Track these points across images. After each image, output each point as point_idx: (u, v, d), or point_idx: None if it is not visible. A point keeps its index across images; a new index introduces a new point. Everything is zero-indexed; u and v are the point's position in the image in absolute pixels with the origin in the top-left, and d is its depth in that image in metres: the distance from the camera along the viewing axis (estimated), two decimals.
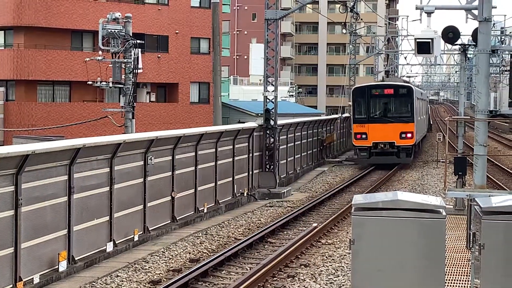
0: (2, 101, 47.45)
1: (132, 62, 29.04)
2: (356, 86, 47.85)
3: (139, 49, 29.60)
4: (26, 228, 15.39)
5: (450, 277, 15.06)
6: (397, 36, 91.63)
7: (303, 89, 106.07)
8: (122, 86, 29.27)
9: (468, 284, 14.49)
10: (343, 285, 15.66)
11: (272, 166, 31.98)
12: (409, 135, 42.30)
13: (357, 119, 42.76)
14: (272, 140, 31.96)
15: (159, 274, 17.06)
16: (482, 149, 19.36)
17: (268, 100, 32.27)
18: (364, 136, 42.18)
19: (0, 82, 48.12)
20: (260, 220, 25.17)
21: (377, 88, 43.68)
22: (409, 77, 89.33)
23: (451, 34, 22.06)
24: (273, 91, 32.30)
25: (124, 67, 29.21)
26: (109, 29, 29.08)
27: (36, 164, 15.68)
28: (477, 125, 19.38)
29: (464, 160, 24.52)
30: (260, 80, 73.78)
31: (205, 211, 25.08)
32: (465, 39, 40.77)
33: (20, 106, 47.30)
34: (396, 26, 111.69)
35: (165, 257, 18.83)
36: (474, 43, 26.42)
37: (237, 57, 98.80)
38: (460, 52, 33.80)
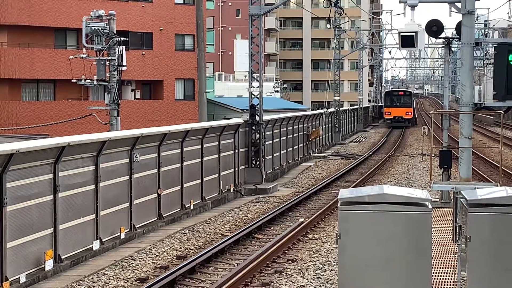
0: None
1: (117, 60, 28.93)
2: (386, 90, 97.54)
3: (123, 47, 29.48)
4: (12, 227, 15.30)
5: (436, 270, 15.11)
6: (381, 30, 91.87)
7: (288, 84, 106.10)
8: (106, 83, 29.16)
9: (454, 276, 14.54)
10: (330, 279, 15.68)
11: (258, 162, 31.98)
12: (410, 113, 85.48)
13: (386, 105, 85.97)
14: (257, 135, 31.96)
15: (146, 271, 17.03)
16: (467, 142, 19.42)
17: (253, 96, 32.24)
18: (389, 113, 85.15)
19: None
20: (247, 216, 25.17)
21: (396, 91, 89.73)
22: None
23: (435, 28, 22.13)
24: (258, 87, 32.27)
25: (108, 64, 29.09)
26: (93, 26, 28.95)
27: (21, 163, 15.58)
28: (461, 118, 19.43)
29: (449, 153, 24.56)
30: (245, 76, 73.69)
31: (192, 207, 25.06)
32: (449, 32, 41.01)
33: (4, 105, 47.04)
34: (380, 20, 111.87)
35: (152, 254, 18.79)
36: (458, 36, 26.50)
37: (222, 53, 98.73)
38: (444, 45, 33.90)
